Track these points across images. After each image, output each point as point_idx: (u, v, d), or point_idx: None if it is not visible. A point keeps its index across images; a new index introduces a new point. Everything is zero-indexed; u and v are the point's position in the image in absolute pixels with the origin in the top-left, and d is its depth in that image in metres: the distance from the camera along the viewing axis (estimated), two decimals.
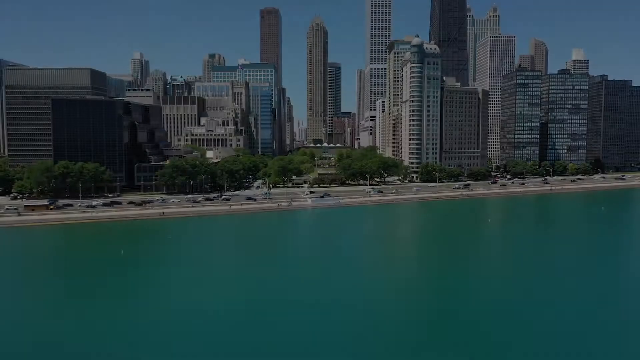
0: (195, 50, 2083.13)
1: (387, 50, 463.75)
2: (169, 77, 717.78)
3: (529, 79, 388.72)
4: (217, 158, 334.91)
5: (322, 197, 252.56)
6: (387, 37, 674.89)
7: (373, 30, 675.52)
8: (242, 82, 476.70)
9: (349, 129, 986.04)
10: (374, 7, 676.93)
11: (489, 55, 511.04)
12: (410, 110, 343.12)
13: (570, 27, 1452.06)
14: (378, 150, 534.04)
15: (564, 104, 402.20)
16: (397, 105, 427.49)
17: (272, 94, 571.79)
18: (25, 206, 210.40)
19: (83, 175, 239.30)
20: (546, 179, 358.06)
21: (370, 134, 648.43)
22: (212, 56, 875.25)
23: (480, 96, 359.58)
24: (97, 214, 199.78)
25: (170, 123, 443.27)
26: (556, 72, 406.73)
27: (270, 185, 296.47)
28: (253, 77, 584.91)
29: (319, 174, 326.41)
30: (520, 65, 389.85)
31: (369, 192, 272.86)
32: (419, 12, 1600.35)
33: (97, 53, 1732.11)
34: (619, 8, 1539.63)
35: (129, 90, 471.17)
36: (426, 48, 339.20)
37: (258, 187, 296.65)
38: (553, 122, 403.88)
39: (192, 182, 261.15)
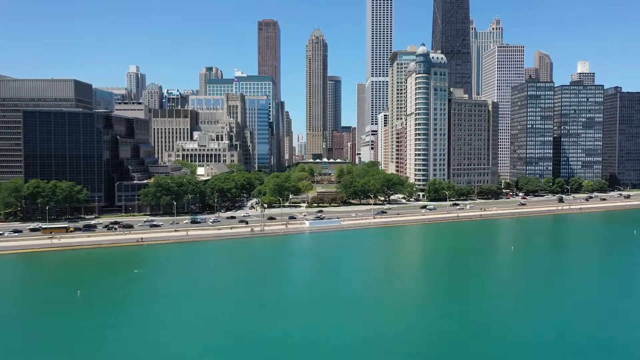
0: (194, 63, 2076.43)
1: (390, 62, 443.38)
2: (165, 91, 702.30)
3: (540, 91, 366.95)
4: (208, 175, 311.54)
5: (322, 218, 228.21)
6: (389, 49, 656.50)
7: (374, 42, 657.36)
8: (238, 94, 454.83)
9: (349, 144, 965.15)
10: (374, 19, 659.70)
11: (496, 66, 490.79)
12: (415, 124, 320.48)
13: (574, 39, 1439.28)
14: (380, 166, 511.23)
15: (578, 117, 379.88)
16: (401, 118, 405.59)
17: (269, 107, 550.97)
18: None
19: (56, 195, 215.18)
20: (562, 197, 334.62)
21: (372, 148, 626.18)
22: (209, 69, 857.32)
23: (490, 108, 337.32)
24: (62, 240, 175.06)
25: (162, 138, 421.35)
26: (568, 84, 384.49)
27: (265, 206, 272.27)
28: (250, 90, 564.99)
29: (318, 192, 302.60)
30: (530, 76, 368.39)
31: (374, 213, 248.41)
32: (420, 24, 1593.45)
33: (95, 67, 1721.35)
34: (622, 20, 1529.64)
35: (119, 103, 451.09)
36: (432, 57, 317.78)
37: (252, 207, 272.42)
38: (566, 136, 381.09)
39: (183, 201, 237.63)
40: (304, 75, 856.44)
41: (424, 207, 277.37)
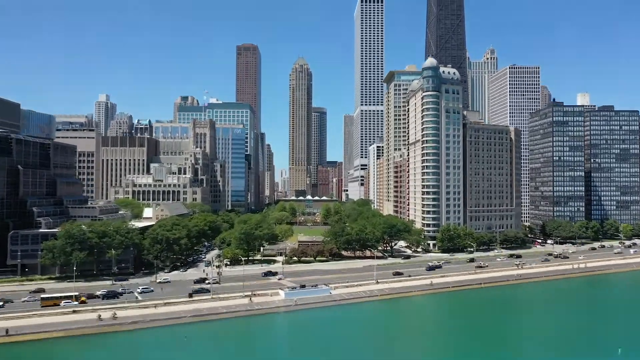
0: (170, 92, 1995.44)
1: (385, 84, 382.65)
2: (136, 121, 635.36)
3: (568, 116, 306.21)
4: (157, 218, 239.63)
5: (304, 286, 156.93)
6: (379, 75, 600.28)
7: (363, 68, 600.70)
8: (207, 120, 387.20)
9: (335, 180, 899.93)
10: (364, 44, 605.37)
11: (508, 89, 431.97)
12: (423, 154, 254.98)
13: (571, 70, 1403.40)
14: (373, 205, 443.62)
15: (610, 147, 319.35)
16: (399, 149, 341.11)
17: (246, 137, 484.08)
18: None
19: None
20: (603, 245, 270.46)
21: (362, 184, 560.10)
22: (184, 99, 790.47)
23: (512, 136, 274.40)
24: None
25: (111, 171, 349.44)
26: (597, 108, 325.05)
27: (226, 262, 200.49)
28: (225, 119, 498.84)
29: (299, 241, 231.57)
30: (554, 99, 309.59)
31: (376, 277, 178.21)
32: (413, 50, 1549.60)
33: (66, 97, 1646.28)
34: (620, 49, 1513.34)
35: (67, 130, 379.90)
36: (443, 72, 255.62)
37: (209, 264, 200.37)
38: (597, 171, 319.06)
39: (107, 258, 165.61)
40: (287, 105, 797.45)
41: (430, 268, 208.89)
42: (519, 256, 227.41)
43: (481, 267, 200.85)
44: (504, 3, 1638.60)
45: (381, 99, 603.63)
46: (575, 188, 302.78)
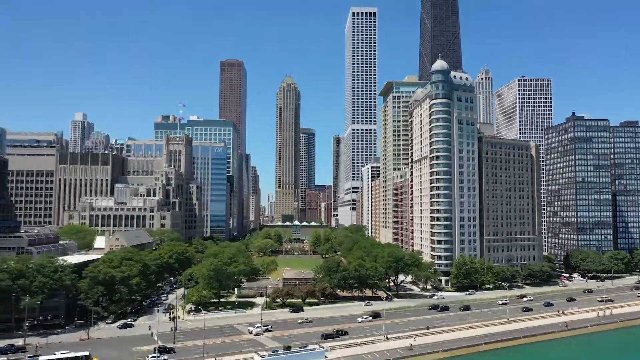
0: (152, 112, 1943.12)
1: (382, 97, 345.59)
2: (113, 141, 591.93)
3: (592, 131, 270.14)
4: (111, 248, 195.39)
5: (288, 348, 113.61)
6: (372, 92, 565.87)
7: (356, 84, 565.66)
8: (182, 137, 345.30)
9: (324, 204, 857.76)
10: (356, 59, 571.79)
11: (517, 103, 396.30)
12: (432, 172, 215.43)
13: (569, 88, 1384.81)
14: (367, 232, 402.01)
15: (636, 168, 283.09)
16: (399, 168, 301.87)
17: (228, 156, 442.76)
18: None
19: None
20: None
21: (354, 209, 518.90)
22: (165, 117, 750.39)
23: (533, 152, 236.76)
24: None
25: (70, 192, 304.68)
26: (618, 124, 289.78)
27: (191, 308, 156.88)
28: (206, 137, 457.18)
29: (284, 279, 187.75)
30: (573, 113, 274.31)
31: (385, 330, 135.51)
32: (406, 68, 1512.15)
33: (44, 114, 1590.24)
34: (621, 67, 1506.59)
35: (25, 146, 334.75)
36: (454, 77, 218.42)
37: (169, 310, 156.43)
38: (622, 194, 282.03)
39: (26, 305, 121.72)
40: (274, 126, 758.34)
41: (435, 307, 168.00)
42: (572, 299, 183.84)
43: (528, 310, 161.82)
44: (498, 20, 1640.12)
45: (374, 118, 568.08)
46: (602, 213, 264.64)
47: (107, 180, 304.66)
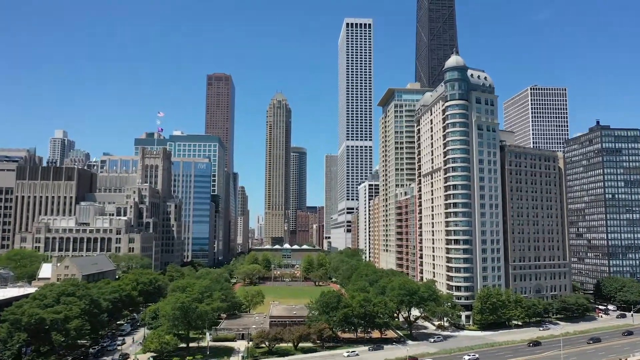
0: (136, 130, 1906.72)
1: (382, 106, 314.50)
2: (93, 159, 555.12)
3: (621, 142, 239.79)
4: (58, 279, 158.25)
5: None
6: (367, 107, 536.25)
7: (350, 99, 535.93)
8: (159, 150, 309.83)
9: (315, 226, 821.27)
10: (350, 73, 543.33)
11: (530, 113, 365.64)
12: (447, 187, 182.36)
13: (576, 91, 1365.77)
14: (364, 256, 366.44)
15: None
16: (403, 185, 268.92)
17: (212, 174, 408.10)
18: None
19: None
20: None
21: (348, 231, 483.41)
22: (150, 135, 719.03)
23: (560, 165, 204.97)
24: None
25: (29, 211, 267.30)
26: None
27: (151, 358, 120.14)
28: (190, 153, 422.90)
29: (271, 318, 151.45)
30: (598, 122, 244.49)
31: None
32: (402, 82, 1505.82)
33: (24, 131, 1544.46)
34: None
35: None
36: (472, 75, 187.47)
37: (122, 358, 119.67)
38: None
39: None
40: (264, 144, 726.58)
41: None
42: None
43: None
44: (495, 33, 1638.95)
45: (369, 134, 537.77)
46: (636, 235, 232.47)
47: (71, 197, 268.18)
